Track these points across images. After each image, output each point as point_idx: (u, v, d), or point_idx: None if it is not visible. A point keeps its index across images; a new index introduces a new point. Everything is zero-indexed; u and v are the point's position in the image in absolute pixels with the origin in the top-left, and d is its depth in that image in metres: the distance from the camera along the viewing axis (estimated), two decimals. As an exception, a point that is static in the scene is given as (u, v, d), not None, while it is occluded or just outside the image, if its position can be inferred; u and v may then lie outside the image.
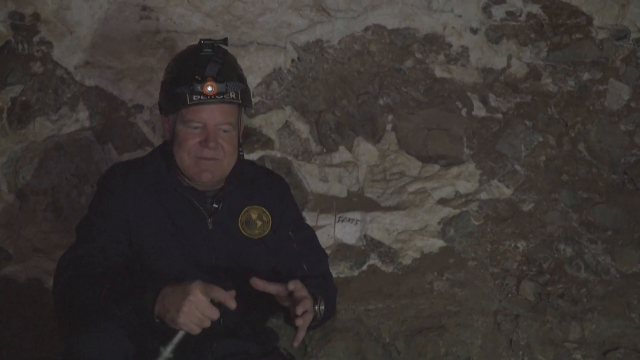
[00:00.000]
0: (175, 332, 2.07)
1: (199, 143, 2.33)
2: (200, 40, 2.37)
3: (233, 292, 2.09)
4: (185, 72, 2.33)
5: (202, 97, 2.29)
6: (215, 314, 2.05)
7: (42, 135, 3.23)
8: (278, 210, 2.51)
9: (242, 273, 2.40)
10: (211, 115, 2.32)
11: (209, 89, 2.29)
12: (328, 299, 2.37)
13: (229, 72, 2.35)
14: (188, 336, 2.08)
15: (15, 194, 3.23)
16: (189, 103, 2.30)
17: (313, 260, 2.52)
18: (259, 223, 2.47)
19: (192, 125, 2.33)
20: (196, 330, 2.05)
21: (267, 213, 2.48)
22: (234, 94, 2.33)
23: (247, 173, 2.52)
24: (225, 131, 2.35)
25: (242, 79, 2.39)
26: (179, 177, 2.42)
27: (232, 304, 2.07)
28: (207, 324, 2.06)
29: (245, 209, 2.46)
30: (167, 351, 2.08)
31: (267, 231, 2.47)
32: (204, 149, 2.32)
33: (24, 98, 3.24)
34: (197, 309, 2.03)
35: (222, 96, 2.31)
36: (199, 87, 2.29)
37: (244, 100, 2.37)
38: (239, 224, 2.44)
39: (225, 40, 2.41)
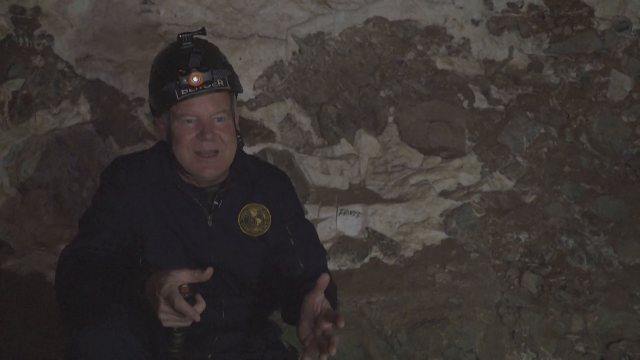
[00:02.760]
0: None
1: (196, 137, 2.31)
2: (179, 35, 2.35)
3: (199, 306, 1.99)
4: (169, 68, 2.32)
5: (190, 90, 2.28)
6: (188, 317, 1.98)
7: (44, 128, 3.24)
8: (278, 207, 2.48)
9: (242, 271, 2.40)
10: (203, 107, 2.31)
11: (195, 79, 2.27)
12: (329, 299, 2.36)
13: (213, 61, 2.33)
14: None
15: (17, 187, 3.24)
16: (178, 98, 2.29)
17: (310, 256, 2.48)
18: (259, 221, 2.45)
19: (185, 119, 2.31)
20: (185, 325, 2.03)
21: (267, 211, 2.46)
22: (222, 81, 2.32)
23: (249, 169, 2.50)
24: (220, 120, 2.33)
25: (227, 66, 2.38)
26: (180, 174, 2.41)
27: (195, 317, 2.00)
28: (189, 322, 2.02)
29: (245, 206, 2.44)
30: (178, 337, 2.06)
31: (266, 229, 2.45)
32: (202, 142, 2.30)
33: (25, 92, 3.24)
34: (171, 320, 2.00)
35: (209, 85, 2.29)
36: (185, 80, 2.27)
37: (232, 86, 2.36)
38: (238, 221, 2.43)
39: (202, 30, 2.39)
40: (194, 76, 2.27)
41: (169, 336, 2.07)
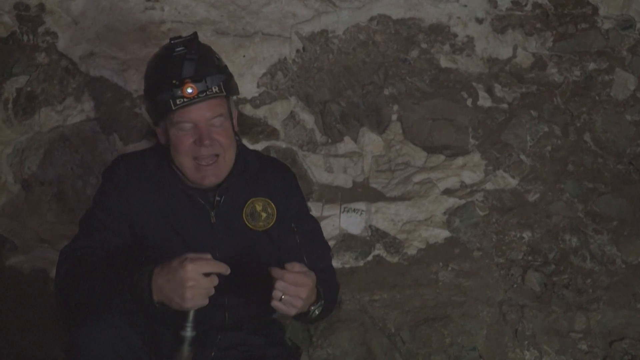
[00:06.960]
0: (183, 312, 2.10)
1: (194, 143, 2.31)
2: (170, 39, 2.33)
3: (223, 265, 2.12)
4: (162, 77, 2.30)
5: (185, 100, 2.27)
6: (215, 281, 2.08)
7: (48, 126, 3.24)
8: (283, 201, 2.50)
9: (246, 266, 2.40)
10: (199, 113, 2.30)
11: (189, 90, 2.26)
12: (327, 295, 2.36)
13: (207, 67, 2.31)
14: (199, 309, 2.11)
15: (21, 184, 3.24)
16: (173, 108, 2.28)
17: (314, 254, 2.51)
18: (264, 215, 2.46)
19: (183, 127, 2.32)
20: (205, 302, 2.08)
21: (272, 205, 2.47)
22: (217, 88, 2.30)
23: (251, 164, 2.51)
24: (217, 125, 2.33)
25: (221, 70, 2.36)
26: (180, 174, 2.41)
27: (226, 270, 2.10)
28: (212, 291, 2.09)
29: (250, 200, 2.45)
30: (188, 332, 2.11)
31: (271, 223, 2.46)
32: (201, 147, 2.31)
33: (29, 89, 3.24)
34: (199, 289, 2.05)
35: (204, 94, 2.28)
36: (179, 92, 2.26)
37: (228, 91, 2.35)
38: (244, 215, 2.43)
39: (194, 35, 2.36)
40: (187, 87, 2.26)
41: (187, 320, 2.11)
